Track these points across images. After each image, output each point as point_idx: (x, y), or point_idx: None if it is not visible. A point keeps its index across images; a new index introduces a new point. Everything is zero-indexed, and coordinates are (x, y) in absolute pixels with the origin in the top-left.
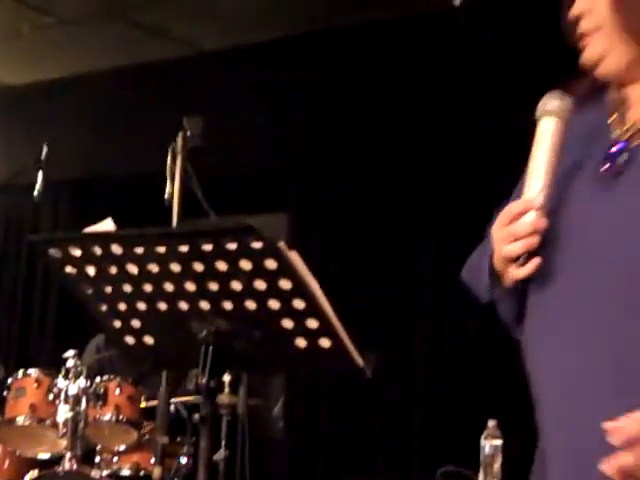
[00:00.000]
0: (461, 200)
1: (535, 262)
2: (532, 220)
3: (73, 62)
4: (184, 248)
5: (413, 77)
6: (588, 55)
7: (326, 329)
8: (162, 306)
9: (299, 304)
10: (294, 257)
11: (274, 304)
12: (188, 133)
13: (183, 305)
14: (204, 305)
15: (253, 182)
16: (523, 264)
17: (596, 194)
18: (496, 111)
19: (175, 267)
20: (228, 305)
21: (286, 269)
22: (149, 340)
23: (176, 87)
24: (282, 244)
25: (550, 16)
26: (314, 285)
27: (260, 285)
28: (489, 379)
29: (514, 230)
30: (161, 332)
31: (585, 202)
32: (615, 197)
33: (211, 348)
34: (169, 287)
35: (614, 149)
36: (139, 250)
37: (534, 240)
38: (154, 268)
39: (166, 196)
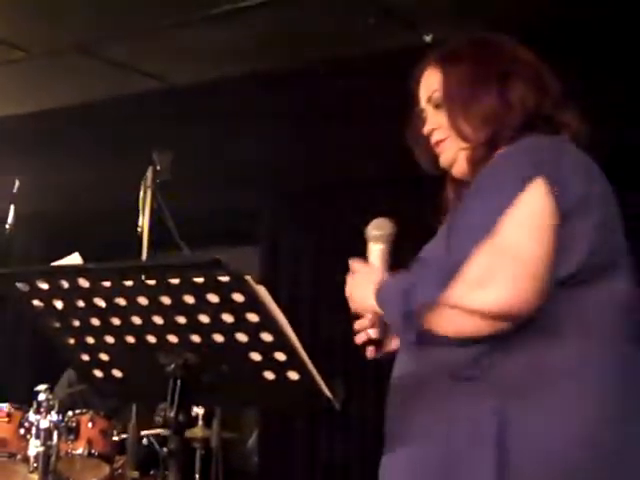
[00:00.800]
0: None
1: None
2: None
3: (42, 96)
4: (151, 282)
5: (381, 112)
6: (443, 160)
7: (293, 362)
8: (130, 339)
9: (267, 337)
10: (261, 291)
11: (242, 337)
12: (158, 167)
13: (151, 338)
14: (172, 338)
15: (224, 216)
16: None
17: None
18: None
19: (143, 300)
20: (196, 338)
21: (253, 302)
22: (117, 373)
23: (146, 121)
24: (249, 278)
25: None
26: (281, 318)
27: (228, 318)
28: None
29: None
30: (129, 365)
31: None
32: None
33: (179, 381)
34: (137, 320)
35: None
36: (106, 284)
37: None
38: (122, 301)
39: (139, 229)
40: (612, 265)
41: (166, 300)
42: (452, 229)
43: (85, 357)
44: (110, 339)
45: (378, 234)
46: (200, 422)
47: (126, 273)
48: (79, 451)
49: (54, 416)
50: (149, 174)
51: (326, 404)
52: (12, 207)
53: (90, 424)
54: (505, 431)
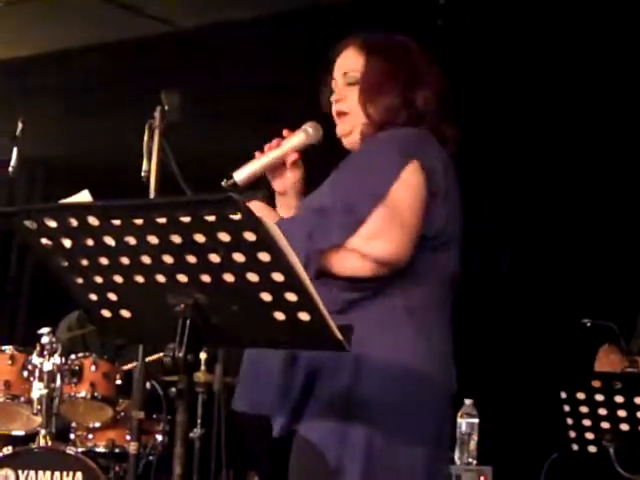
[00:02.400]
0: None
1: None
2: None
3: (46, 39)
4: (162, 220)
5: None
6: (340, 130)
7: (305, 302)
8: (139, 279)
9: (278, 277)
10: (273, 229)
11: (253, 277)
12: (166, 107)
13: (161, 278)
14: (182, 278)
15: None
16: None
17: None
18: (470, 95)
19: (153, 239)
20: (206, 278)
21: (265, 242)
22: (126, 313)
23: (153, 64)
24: (261, 216)
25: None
26: (293, 258)
27: (239, 258)
28: (465, 359)
29: None
30: (138, 305)
31: None
32: None
33: (188, 321)
34: (146, 260)
35: None
36: (116, 222)
37: None
38: (131, 240)
39: (143, 173)
40: (452, 242)
41: (176, 239)
42: (337, 186)
43: (93, 297)
44: (119, 278)
45: (310, 130)
46: (203, 367)
47: (137, 210)
48: (82, 394)
49: (57, 359)
50: (157, 114)
51: (336, 345)
52: (15, 149)
53: (93, 367)
54: (360, 352)
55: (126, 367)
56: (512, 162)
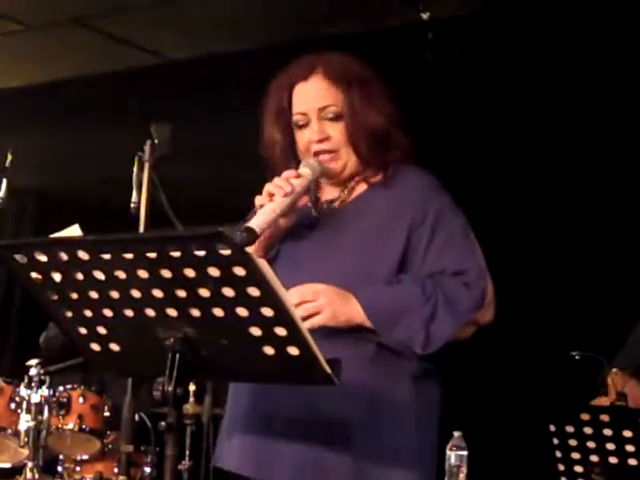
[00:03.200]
0: None
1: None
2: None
3: (39, 70)
4: (152, 254)
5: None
6: (334, 167)
7: (294, 337)
8: (129, 313)
9: (267, 312)
10: (262, 265)
11: (242, 312)
12: (156, 141)
13: (150, 312)
14: (171, 312)
15: (221, 193)
16: None
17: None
18: (461, 126)
19: (142, 273)
20: (196, 312)
21: (254, 276)
22: (115, 347)
23: (144, 96)
24: (251, 251)
25: (517, 34)
26: (282, 293)
27: (228, 292)
28: (454, 390)
29: None
30: (127, 339)
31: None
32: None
33: (178, 355)
34: (136, 294)
35: (308, 221)
36: (106, 256)
37: None
38: (121, 274)
39: (132, 205)
40: None
41: (166, 273)
42: (421, 251)
43: (82, 330)
44: (108, 312)
45: (314, 164)
46: (191, 398)
47: (127, 245)
48: (70, 426)
49: (45, 391)
50: (147, 148)
51: (325, 379)
52: (4, 180)
53: (81, 399)
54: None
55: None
56: (502, 197)
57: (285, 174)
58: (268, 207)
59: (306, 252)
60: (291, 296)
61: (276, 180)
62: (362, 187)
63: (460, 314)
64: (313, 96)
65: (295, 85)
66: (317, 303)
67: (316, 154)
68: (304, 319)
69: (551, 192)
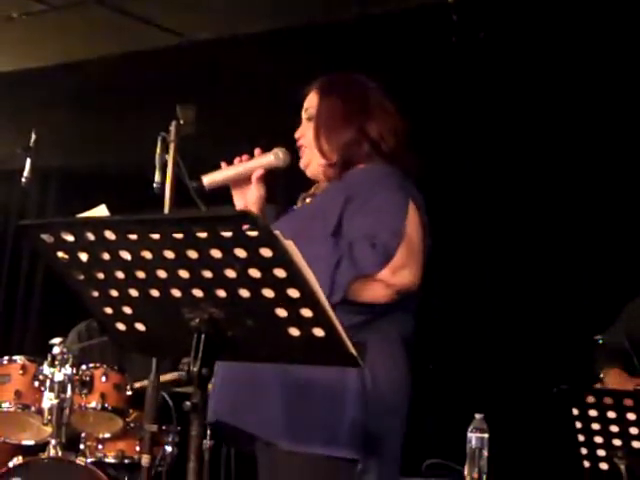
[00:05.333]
0: None
1: None
2: None
3: (62, 49)
4: (178, 235)
5: (403, 71)
6: (302, 162)
7: (320, 318)
8: (155, 293)
9: (293, 293)
10: (290, 246)
11: (268, 293)
12: (181, 122)
13: (176, 292)
14: (197, 293)
15: None
16: None
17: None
18: (485, 110)
19: (169, 254)
20: (222, 293)
21: (281, 258)
22: (141, 327)
23: (168, 76)
24: (278, 233)
25: (544, 15)
26: (309, 275)
27: (254, 274)
28: (476, 373)
29: None
30: (153, 319)
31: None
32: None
33: (203, 336)
34: (162, 274)
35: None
36: (133, 237)
37: None
38: (147, 255)
39: (155, 185)
40: None
41: (193, 254)
42: (355, 220)
43: (108, 310)
44: (134, 292)
45: (280, 155)
46: (212, 379)
47: (154, 226)
48: (92, 405)
49: (68, 369)
50: (172, 128)
51: (351, 361)
52: (28, 160)
53: (104, 378)
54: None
55: (137, 385)
56: (529, 180)
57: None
58: (222, 169)
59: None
60: None
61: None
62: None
63: (359, 266)
64: (306, 100)
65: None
66: None
67: (298, 148)
68: None
69: (574, 176)
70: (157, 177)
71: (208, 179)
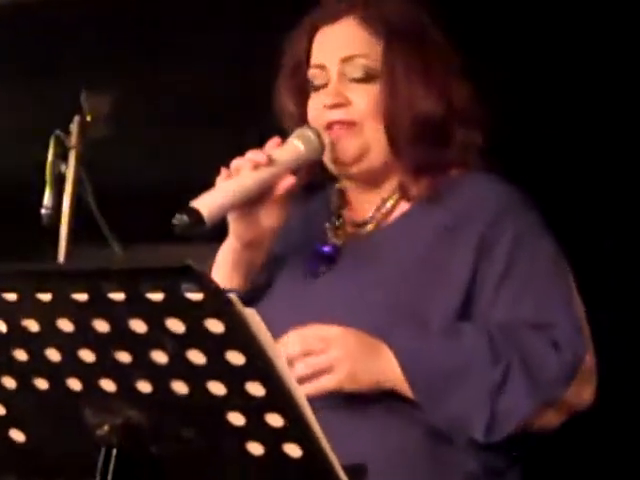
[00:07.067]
0: None
1: None
2: None
3: None
4: (80, 296)
5: None
6: (349, 146)
7: (295, 429)
8: (42, 384)
9: (255, 389)
10: (251, 317)
11: (217, 388)
12: (88, 117)
13: (75, 384)
14: (107, 385)
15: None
16: None
17: (299, 287)
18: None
19: (65, 325)
20: (145, 386)
21: (238, 335)
22: (18, 436)
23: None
24: (234, 296)
25: None
26: (280, 362)
27: (197, 358)
28: None
29: None
30: (39, 424)
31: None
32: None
33: (115, 451)
34: (54, 355)
35: (325, 249)
36: (10, 297)
37: None
38: (32, 325)
39: (43, 211)
40: None
41: (102, 326)
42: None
43: None
44: (10, 382)
45: (312, 137)
46: None
47: (42, 280)
48: None
49: None
50: (74, 127)
51: None
52: None
53: None
54: None
55: None
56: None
57: (267, 144)
58: (227, 184)
59: (318, 287)
60: (289, 343)
61: (249, 152)
62: (405, 206)
63: (544, 386)
64: (337, 42)
65: (318, 29)
66: (327, 355)
67: (329, 127)
68: (304, 380)
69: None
70: (46, 198)
71: (208, 208)
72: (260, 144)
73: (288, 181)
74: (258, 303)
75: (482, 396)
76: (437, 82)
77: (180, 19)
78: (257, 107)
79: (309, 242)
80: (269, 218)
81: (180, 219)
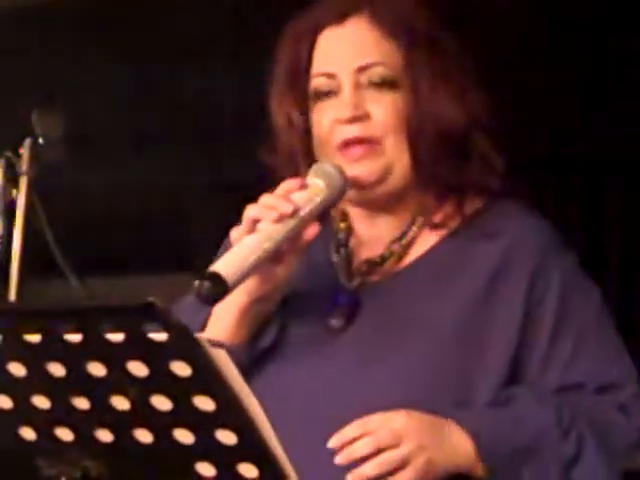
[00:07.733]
0: None
1: None
2: None
3: None
4: (33, 338)
5: None
6: (370, 168)
7: None
8: None
9: (226, 438)
10: (221, 359)
11: (184, 436)
12: (40, 139)
13: (28, 433)
14: (64, 434)
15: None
16: None
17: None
18: None
19: (16, 369)
20: (105, 435)
21: (207, 379)
22: None
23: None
24: (203, 337)
25: None
26: (254, 408)
27: (161, 404)
28: None
29: None
30: None
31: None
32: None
33: None
34: (4, 402)
35: (341, 299)
36: None
37: None
38: None
39: None
40: None
41: (57, 369)
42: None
43: None
44: None
45: (334, 172)
46: None
47: None
48: None
49: None
50: (25, 150)
51: None
52: None
53: None
54: None
55: None
56: None
57: (283, 186)
58: (249, 241)
59: (338, 346)
60: (348, 433)
61: (265, 198)
62: (429, 236)
63: (619, 454)
64: (349, 49)
65: (322, 31)
66: (400, 451)
67: (345, 145)
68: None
69: None
70: None
71: (230, 271)
72: None
73: (313, 230)
74: (269, 360)
75: (557, 470)
76: (457, 89)
77: None
78: None
79: (316, 279)
80: (286, 269)
81: (202, 286)
